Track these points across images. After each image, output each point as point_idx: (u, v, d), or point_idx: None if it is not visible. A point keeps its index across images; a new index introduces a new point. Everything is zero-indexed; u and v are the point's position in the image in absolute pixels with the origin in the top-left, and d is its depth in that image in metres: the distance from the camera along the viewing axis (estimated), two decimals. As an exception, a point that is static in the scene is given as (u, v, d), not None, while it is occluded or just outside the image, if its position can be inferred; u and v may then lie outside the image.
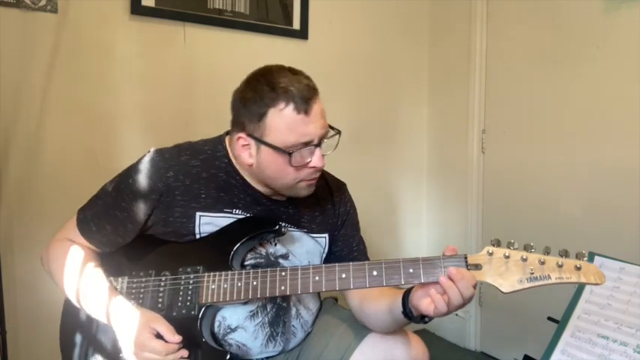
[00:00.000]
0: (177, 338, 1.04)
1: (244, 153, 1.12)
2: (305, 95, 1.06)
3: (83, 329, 1.18)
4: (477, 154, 2.45)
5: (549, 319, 1.46)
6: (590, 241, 1.85)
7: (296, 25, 2.22)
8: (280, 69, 1.10)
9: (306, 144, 1.08)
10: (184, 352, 1.04)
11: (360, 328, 1.21)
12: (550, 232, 2.10)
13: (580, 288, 1.42)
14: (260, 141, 1.09)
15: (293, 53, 2.22)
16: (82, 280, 1.12)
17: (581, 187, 2.04)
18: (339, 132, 1.14)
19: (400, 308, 1.06)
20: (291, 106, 1.05)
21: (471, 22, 2.43)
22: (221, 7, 2.03)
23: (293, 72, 1.10)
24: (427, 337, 2.62)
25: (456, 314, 2.56)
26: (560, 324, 1.40)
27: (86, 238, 1.16)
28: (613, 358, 1.28)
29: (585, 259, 0.95)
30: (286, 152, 1.07)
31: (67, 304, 1.21)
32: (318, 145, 1.10)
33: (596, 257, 1.42)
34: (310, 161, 1.09)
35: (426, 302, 1.00)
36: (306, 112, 1.06)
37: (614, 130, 1.93)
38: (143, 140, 1.88)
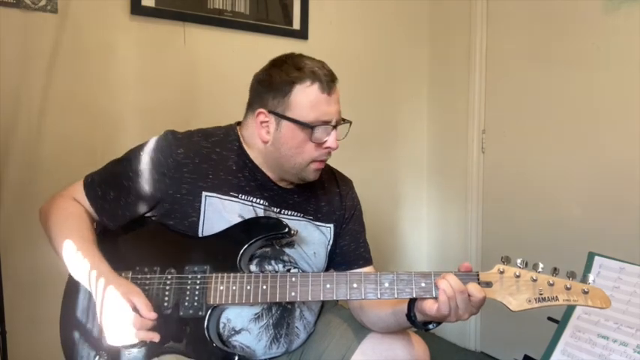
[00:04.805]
0: (153, 315, 1.03)
1: (262, 130, 1.16)
2: (329, 78, 1.14)
3: (84, 308, 1.16)
4: (477, 154, 2.45)
5: (549, 319, 1.46)
6: (590, 241, 1.84)
7: (296, 25, 2.22)
8: (303, 55, 1.19)
9: (325, 123, 1.14)
10: (156, 336, 1.03)
11: (361, 328, 1.21)
12: (550, 232, 2.10)
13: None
14: (282, 116, 1.13)
15: (293, 53, 2.21)
16: (75, 243, 1.10)
17: (581, 186, 2.04)
18: (350, 122, 1.20)
19: (405, 311, 1.06)
20: (316, 85, 1.12)
21: (471, 22, 2.43)
22: (221, 7, 2.03)
23: (315, 60, 1.18)
24: (427, 337, 2.61)
25: (456, 314, 2.56)
26: (560, 324, 1.40)
27: (90, 202, 1.17)
28: (613, 358, 1.28)
29: (591, 282, 0.98)
30: (309, 126, 1.12)
31: (70, 283, 1.18)
32: (335, 127, 1.15)
33: (596, 257, 1.42)
34: (326, 141, 1.15)
35: (430, 301, 1.01)
36: (329, 92, 1.13)
37: (614, 130, 1.93)
38: (143, 140, 1.86)
